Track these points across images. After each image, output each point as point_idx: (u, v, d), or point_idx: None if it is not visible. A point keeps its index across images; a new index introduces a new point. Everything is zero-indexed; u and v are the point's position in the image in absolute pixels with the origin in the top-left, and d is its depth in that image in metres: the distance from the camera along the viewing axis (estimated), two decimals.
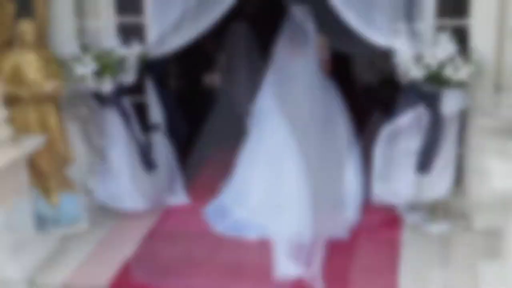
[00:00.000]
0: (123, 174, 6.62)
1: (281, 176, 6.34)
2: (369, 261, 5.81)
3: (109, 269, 5.72)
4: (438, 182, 6.17)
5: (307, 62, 6.57)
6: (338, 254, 5.87)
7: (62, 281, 5.64)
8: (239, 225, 6.30)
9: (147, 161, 6.55)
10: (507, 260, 5.23)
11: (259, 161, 6.52)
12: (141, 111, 6.71)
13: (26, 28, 5.87)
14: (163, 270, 5.73)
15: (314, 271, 5.59)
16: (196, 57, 7.33)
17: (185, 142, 7.09)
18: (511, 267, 5.15)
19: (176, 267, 5.77)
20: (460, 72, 5.73)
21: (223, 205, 6.56)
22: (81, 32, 6.54)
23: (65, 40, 6.36)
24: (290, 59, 6.57)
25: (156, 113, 6.75)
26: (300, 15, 6.52)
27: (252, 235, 6.18)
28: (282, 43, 6.58)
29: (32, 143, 5.76)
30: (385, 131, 6.13)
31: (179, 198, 6.89)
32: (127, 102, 6.47)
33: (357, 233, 6.20)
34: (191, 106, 7.31)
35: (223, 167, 7.21)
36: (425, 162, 6.02)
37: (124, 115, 6.43)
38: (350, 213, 6.36)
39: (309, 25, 6.50)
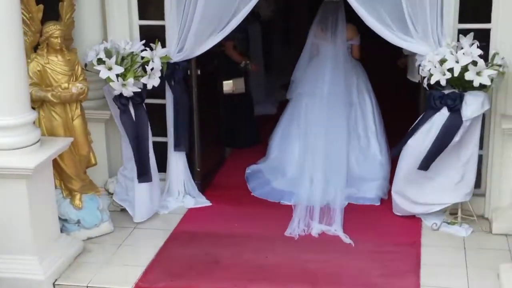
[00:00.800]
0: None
1: (314, 151, 7.10)
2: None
3: (133, 272, 5.75)
4: (460, 186, 6.22)
5: (338, 46, 7.18)
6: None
7: (86, 284, 5.66)
8: (275, 193, 7.05)
9: (141, 172, 6.46)
10: None
11: (295, 140, 7.34)
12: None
13: (53, 31, 5.87)
14: (187, 272, 5.76)
15: (336, 227, 6.31)
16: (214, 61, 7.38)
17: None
18: None
19: (200, 269, 5.80)
20: (482, 76, 5.80)
21: (265, 178, 7.28)
22: (104, 35, 6.60)
23: (89, 43, 6.41)
24: (322, 43, 7.21)
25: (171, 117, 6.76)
26: (332, 5, 7.14)
27: (285, 201, 6.88)
28: (315, 30, 7.26)
29: (59, 145, 5.77)
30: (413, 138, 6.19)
31: (199, 200, 6.94)
32: (144, 108, 6.46)
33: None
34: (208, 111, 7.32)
35: (238, 168, 7.55)
36: (429, 161, 6.08)
37: (140, 120, 6.42)
38: (379, 183, 7.03)
39: (341, 14, 7.11)
